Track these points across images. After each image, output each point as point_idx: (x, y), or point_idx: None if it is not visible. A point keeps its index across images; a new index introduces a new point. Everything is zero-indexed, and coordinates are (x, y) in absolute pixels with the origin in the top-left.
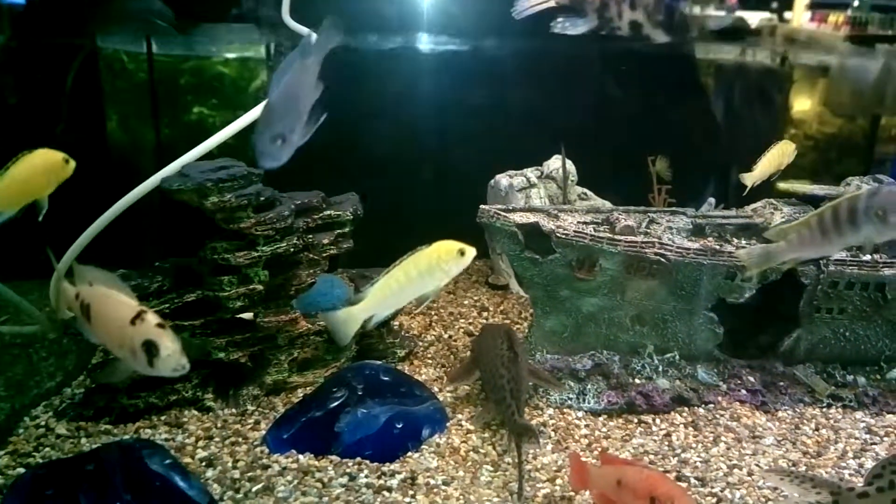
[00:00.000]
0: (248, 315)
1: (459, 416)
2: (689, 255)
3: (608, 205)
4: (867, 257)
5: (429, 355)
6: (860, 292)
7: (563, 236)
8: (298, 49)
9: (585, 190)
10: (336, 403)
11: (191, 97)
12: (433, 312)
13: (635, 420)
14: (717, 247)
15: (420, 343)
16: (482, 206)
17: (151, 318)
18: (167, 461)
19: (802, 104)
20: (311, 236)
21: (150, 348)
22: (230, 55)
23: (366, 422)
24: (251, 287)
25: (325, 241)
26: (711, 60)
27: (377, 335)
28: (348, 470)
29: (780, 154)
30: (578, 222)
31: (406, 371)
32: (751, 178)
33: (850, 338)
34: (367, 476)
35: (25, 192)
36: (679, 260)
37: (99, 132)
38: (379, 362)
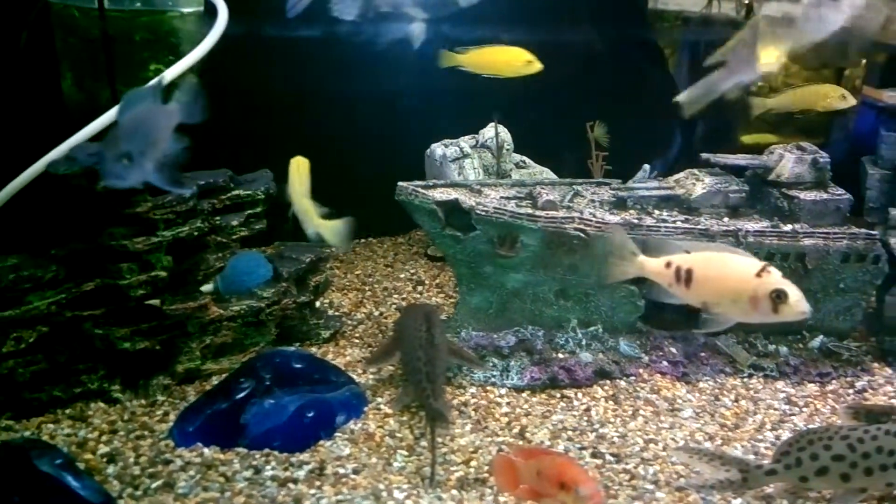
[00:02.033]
0: (156, 301)
1: (379, 399)
2: (608, 229)
3: (547, 172)
4: (787, 227)
5: (357, 335)
6: (780, 262)
7: (483, 213)
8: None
9: (524, 158)
10: (242, 394)
11: (147, 53)
12: (367, 288)
13: (558, 395)
14: (636, 220)
15: (348, 322)
16: (400, 184)
17: (774, 270)
18: (58, 461)
19: (767, 56)
20: (218, 218)
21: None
22: (187, 9)
23: (274, 412)
24: (153, 274)
25: (235, 223)
26: (673, 13)
27: (299, 316)
28: (255, 462)
29: (814, 94)
30: (501, 197)
31: (331, 352)
32: (771, 103)
33: None
34: (273, 468)
35: None
36: (598, 234)
37: (55, 91)
38: (292, 348)
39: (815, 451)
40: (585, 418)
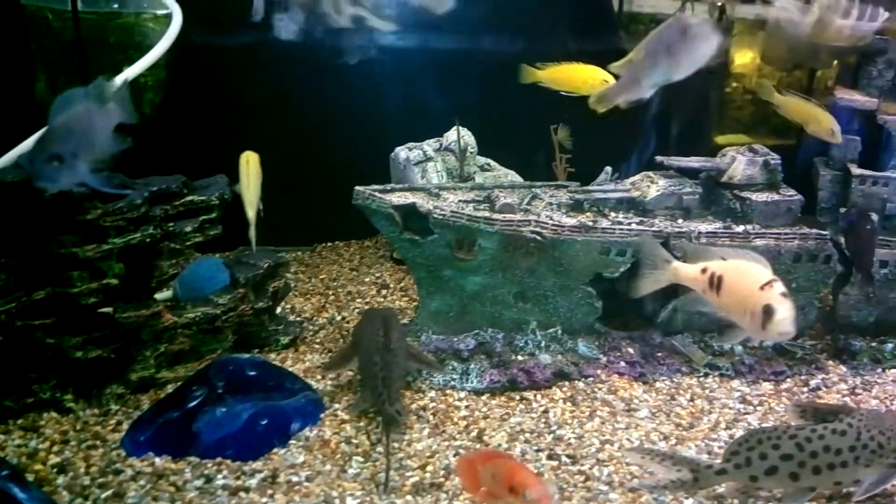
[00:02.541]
0: (109, 309)
1: (337, 405)
2: (563, 232)
3: (512, 175)
4: (740, 229)
5: (317, 340)
6: None
7: (441, 216)
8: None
9: (489, 160)
10: (194, 403)
11: (121, 56)
12: (330, 292)
13: (517, 397)
14: (591, 223)
15: (310, 327)
16: (356, 188)
17: (778, 286)
18: (4, 472)
19: (741, 58)
20: (171, 224)
21: (768, 312)
22: (161, 12)
23: (226, 420)
24: (105, 281)
25: (189, 229)
26: (647, 16)
27: (257, 322)
28: (206, 471)
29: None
30: (459, 201)
31: (290, 358)
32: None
33: None
34: (225, 477)
35: None
36: (555, 237)
37: (28, 94)
38: (246, 355)
39: (763, 450)
40: (543, 420)
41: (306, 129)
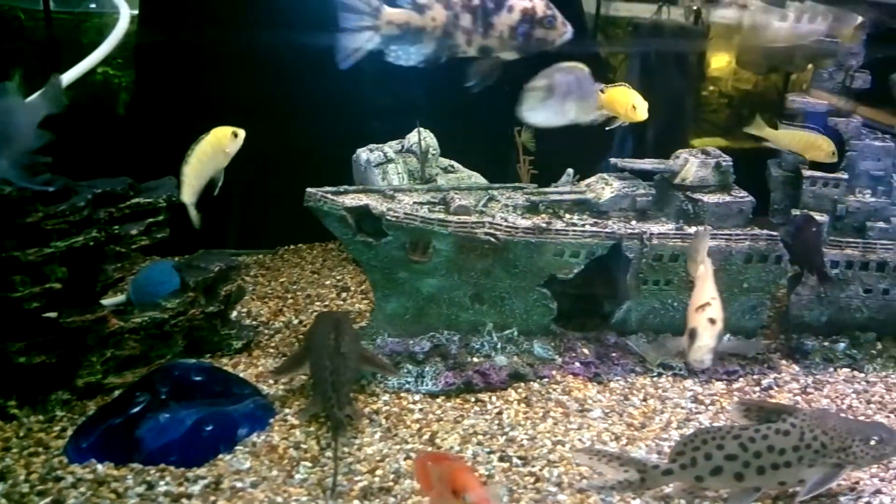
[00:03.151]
0: (53, 314)
1: (288, 410)
2: (517, 233)
3: (476, 177)
4: (691, 230)
5: (272, 344)
6: (684, 264)
7: (394, 219)
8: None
9: (452, 162)
10: (137, 409)
11: None
12: (289, 295)
13: (472, 399)
14: (544, 224)
15: (265, 331)
16: (308, 190)
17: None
18: None
19: (718, 61)
20: (116, 227)
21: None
22: (136, 11)
23: (169, 426)
24: (47, 286)
25: (135, 232)
26: (624, 20)
27: (209, 327)
28: (149, 478)
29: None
30: (415, 203)
31: (243, 363)
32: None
33: (679, 308)
34: (167, 483)
35: None
36: (509, 239)
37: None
38: (192, 360)
39: (708, 450)
40: (497, 422)
41: (272, 130)
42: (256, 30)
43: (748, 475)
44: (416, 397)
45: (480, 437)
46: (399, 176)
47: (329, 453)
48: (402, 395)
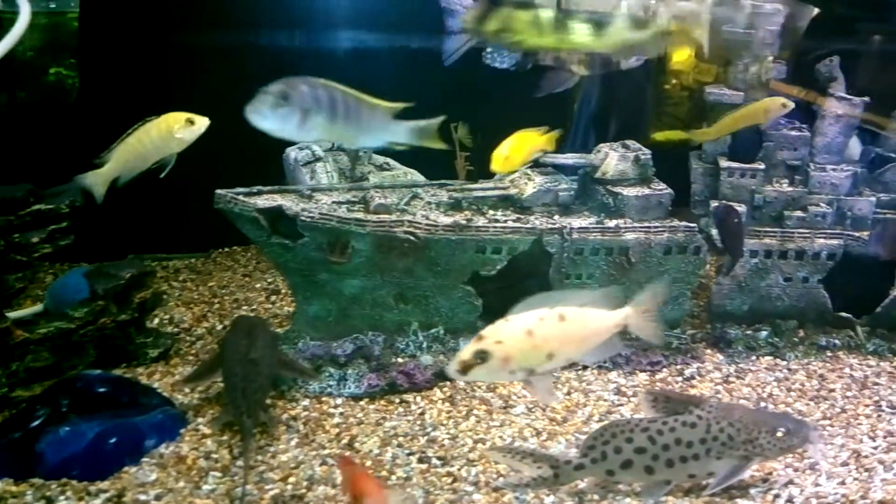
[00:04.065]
0: None
1: (200, 420)
2: (437, 231)
3: (413, 174)
4: (612, 223)
5: (193, 352)
6: (605, 257)
7: (309, 219)
8: None
9: (388, 160)
10: (37, 422)
11: (47, 58)
12: (216, 300)
13: (397, 400)
14: (465, 221)
15: (187, 338)
16: (217, 192)
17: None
18: None
19: (679, 55)
20: (17, 235)
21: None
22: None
23: (70, 439)
24: None
25: (36, 240)
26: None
27: (122, 336)
28: (49, 493)
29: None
30: (333, 202)
31: (159, 372)
32: (713, 132)
33: None
34: (68, 498)
35: None
36: (429, 237)
37: None
38: (97, 372)
39: (618, 444)
40: (419, 422)
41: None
42: (197, 27)
43: (658, 468)
44: (338, 401)
45: (401, 438)
46: (328, 175)
47: (241, 462)
48: (324, 399)
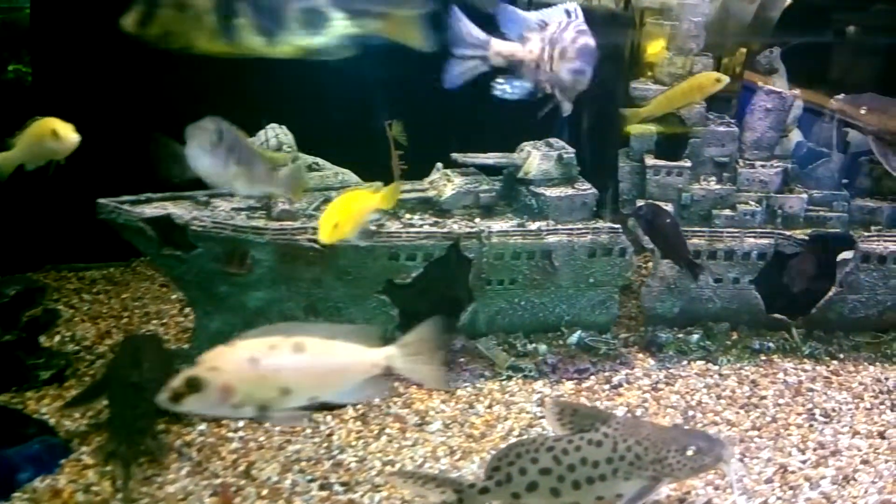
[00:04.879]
0: None
1: (85, 448)
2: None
3: (345, 175)
4: (534, 226)
5: (91, 373)
6: (527, 261)
7: (201, 228)
8: None
9: (317, 160)
10: None
11: (6, 54)
12: (126, 314)
13: (306, 421)
14: (374, 227)
15: (87, 357)
16: (99, 200)
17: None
18: None
19: (652, 48)
20: None
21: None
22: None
23: None
24: None
25: None
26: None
27: (9, 357)
28: None
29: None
30: (232, 209)
31: (50, 396)
32: (645, 111)
33: (527, 307)
34: None
35: None
36: (335, 244)
37: None
38: None
39: (523, 465)
40: (325, 445)
41: (125, 134)
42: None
43: (564, 490)
44: (240, 423)
45: (304, 463)
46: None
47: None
48: (224, 422)
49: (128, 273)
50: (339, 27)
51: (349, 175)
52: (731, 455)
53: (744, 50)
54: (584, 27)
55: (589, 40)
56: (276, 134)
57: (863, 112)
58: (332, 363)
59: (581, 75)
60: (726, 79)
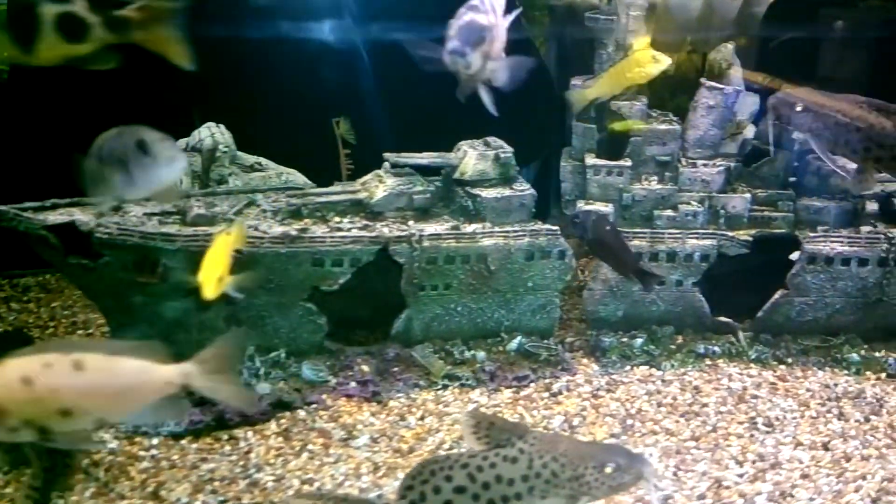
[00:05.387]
0: None
1: None
2: (263, 244)
3: (291, 175)
4: (469, 229)
5: None
6: (462, 265)
7: (106, 235)
8: None
9: (260, 159)
10: None
11: None
12: (53, 324)
13: (225, 437)
14: (295, 232)
15: None
16: (0, 208)
17: None
18: None
19: (637, 44)
20: None
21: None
22: None
23: None
24: None
25: None
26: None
27: None
28: None
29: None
30: (145, 213)
31: None
32: (591, 93)
33: (464, 312)
34: None
35: None
36: (254, 250)
37: None
38: None
39: (437, 483)
40: (242, 463)
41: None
42: None
43: None
44: (154, 441)
45: (217, 483)
46: (181, 179)
47: None
48: (137, 439)
49: (63, 280)
50: (100, 35)
51: (295, 175)
52: (652, 472)
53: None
54: (478, 4)
55: (476, 17)
56: (211, 133)
57: (798, 109)
58: (118, 382)
59: (457, 56)
60: (663, 57)
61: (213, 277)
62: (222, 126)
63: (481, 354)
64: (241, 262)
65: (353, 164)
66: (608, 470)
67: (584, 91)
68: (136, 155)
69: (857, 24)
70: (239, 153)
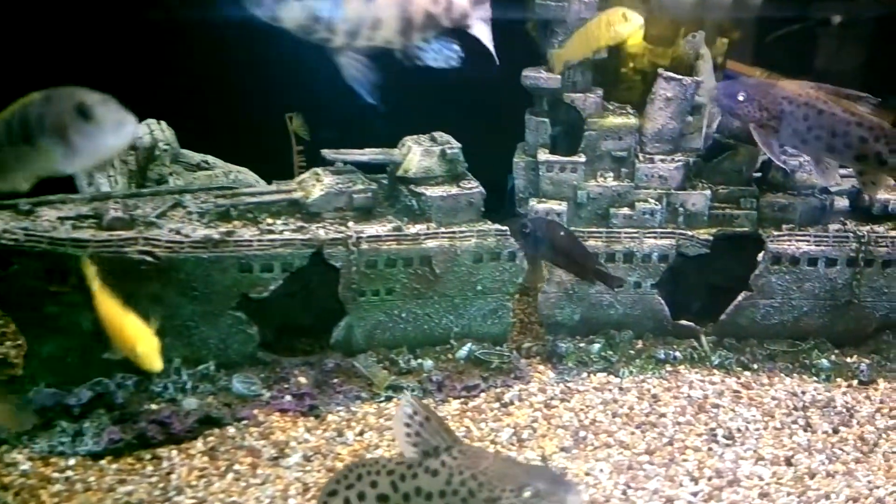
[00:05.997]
0: None
1: None
2: (184, 249)
3: (241, 173)
4: (413, 230)
5: None
6: (405, 269)
7: (11, 242)
8: None
9: (207, 157)
10: None
11: None
12: None
13: (148, 456)
14: (219, 235)
15: None
16: None
17: None
18: None
19: (632, 38)
20: None
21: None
22: None
23: None
24: None
25: None
26: None
27: None
28: None
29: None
30: (59, 217)
31: None
32: (565, 54)
33: (409, 318)
34: None
35: None
36: (173, 256)
37: None
38: None
39: (362, 489)
40: (162, 485)
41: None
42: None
43: None
44: (71, 461)
45: None
46: (110, 179)
47: None
48: (53, 460)
49: None
50: None
51: (246, 174)
52: (578, 501)
53: (725, 40)
54: None
55: None
56: (151, 130)
57: (741, 99)
58: None
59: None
60: (634, 15)
61: (155, 347)
62: (163, 123)
63: (429, 363)
64: (159, 268)
65: (305, 161)
66: (526, 494)
67: (556, 52)
68: (76, 121)
69: (854, 13)
70: (184, 151)
